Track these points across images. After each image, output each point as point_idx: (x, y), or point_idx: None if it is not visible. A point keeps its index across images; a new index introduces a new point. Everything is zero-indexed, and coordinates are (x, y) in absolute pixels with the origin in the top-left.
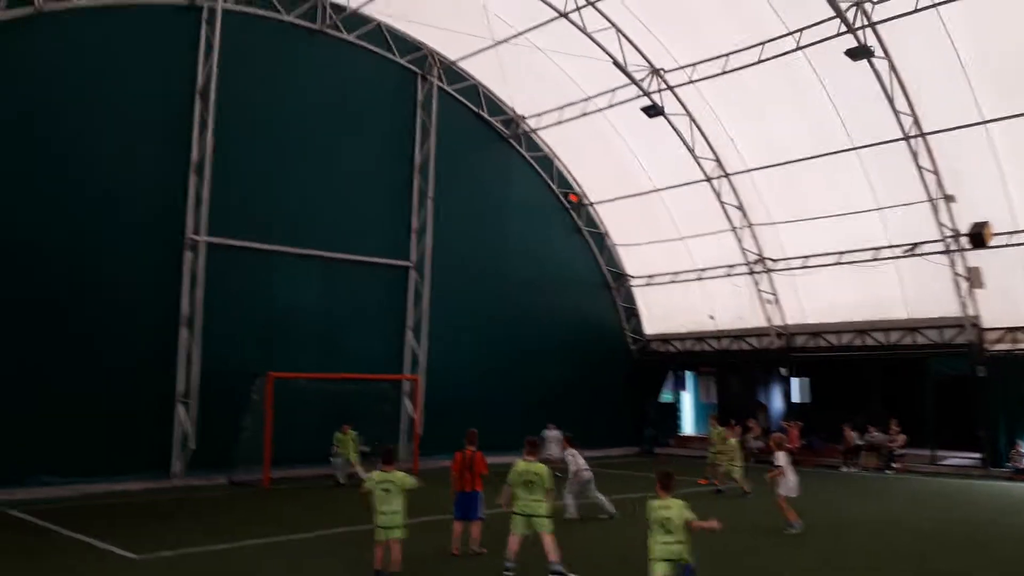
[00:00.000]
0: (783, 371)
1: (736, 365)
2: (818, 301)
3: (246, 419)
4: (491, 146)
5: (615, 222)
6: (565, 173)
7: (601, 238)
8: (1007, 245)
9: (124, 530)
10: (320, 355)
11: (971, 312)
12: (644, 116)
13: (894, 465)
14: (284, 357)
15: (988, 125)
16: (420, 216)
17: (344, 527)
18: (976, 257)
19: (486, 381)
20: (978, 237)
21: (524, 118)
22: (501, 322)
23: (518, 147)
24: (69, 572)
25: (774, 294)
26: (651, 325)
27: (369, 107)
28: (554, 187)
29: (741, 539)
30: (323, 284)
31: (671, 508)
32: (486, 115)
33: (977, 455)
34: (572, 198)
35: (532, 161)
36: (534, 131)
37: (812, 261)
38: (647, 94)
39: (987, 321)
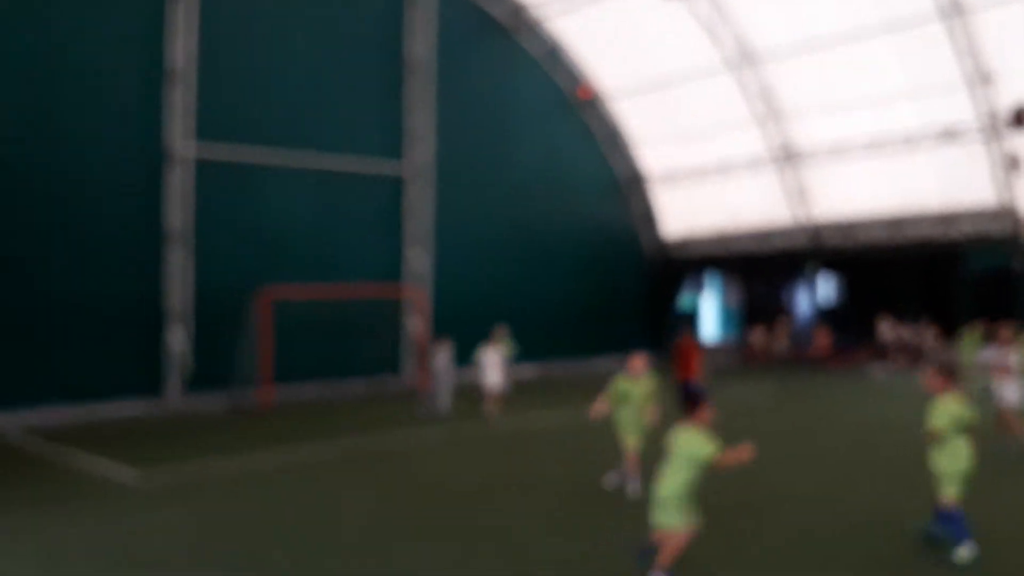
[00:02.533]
0: (811, 269)
1: (762, 266)
2: (848, 195)
3: (243, 338)
4: (492, 40)
5: (631, 119)
6: (575, 67)
7: (616, 136)
8: None
9: (122, 453)
10: (319, 270)
11: (1009, 202)
12: (661, 1)
13: (886, 365)
14: (281, 273)
15: None
16: (419, 120)
17: (345, 445)
18: (1015, 143)
19: (495, 292)
20: (1019, 119)
21: (528, 7)
22: (509, 230)
23: (522, 40)
24: (68, 497)
25: (802, 188)
26: (671, 227)
27: (357, 5)
28: (564, 83)
29: None
30: (319, 197)
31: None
32: (485, 5)
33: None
34: (583, 94)
35: (539, 55)
36: (540, 21)
37: (842, 151)
38: None
39: None
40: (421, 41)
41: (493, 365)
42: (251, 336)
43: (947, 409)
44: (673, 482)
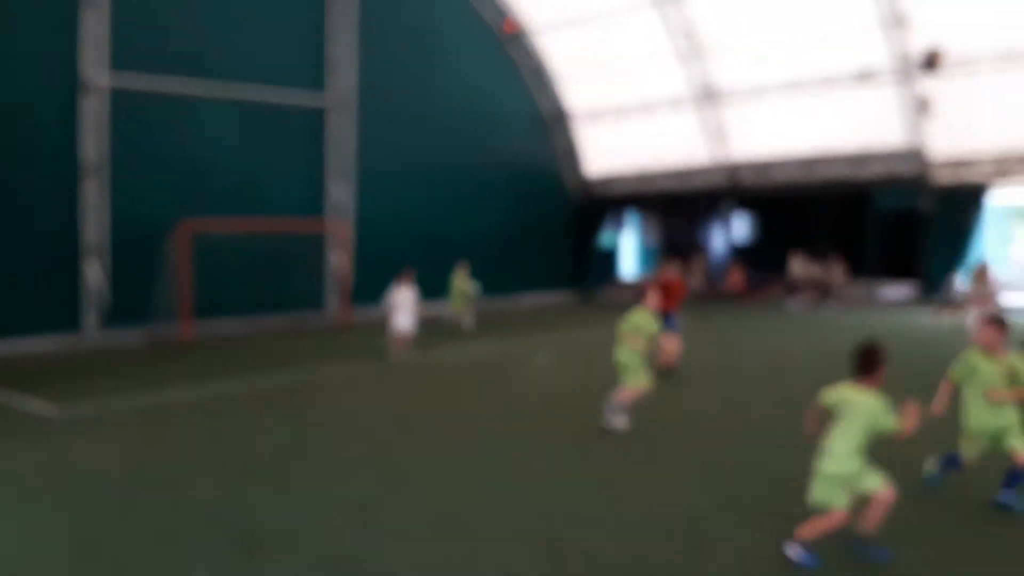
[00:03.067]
0: (727, 208)
1: (681, 205)
2: (765, 135)
3: (162, 272)
4: None
5: (557, 54)
6: None
7: (542, 72)
8: (960, 75)
9: (42, 388)
10: (239, 203)
11: (918, 144)
12: None
13: (799, 299)
14: (201, 207)
15: None
16: (341, 50)
17: (268, 382)
18: (926, 87)
19: (418, 227)
20: (930, 63)
21: None
22: (434, 165)
23: None
24: None
25: (721, 129)
26: (595, 164)
27: None
28: (489, 16)
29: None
30: (240, 129)
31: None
32: None
33: (916, 288)
34: (508, 28)
35: None
36: None
37: (760, 92)
38: None
39: (933, 155)
40: None
41: (404, 306)
42: (170, 270)
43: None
44: (846, 453)
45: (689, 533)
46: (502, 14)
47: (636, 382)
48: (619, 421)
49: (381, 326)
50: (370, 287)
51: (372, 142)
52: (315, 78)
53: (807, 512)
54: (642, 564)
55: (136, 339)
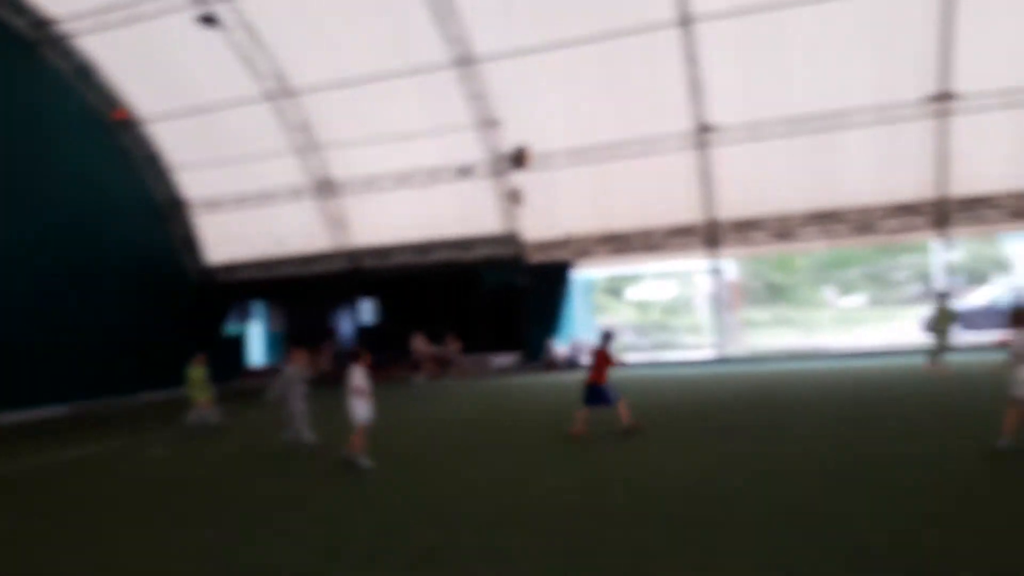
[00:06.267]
0: (352, 292)
1: (306, 291)
2: (382, 222)
3: None
4: (13, 52)
5: (172, 142)
6: (109, 87)
7: (155, 160)
8: (543, 169)
9: None
10: None
11: (514, 229)
12: (197, 29)
13: (422, 375)
14: None
15: (530, 55)
16: None
17: None
18: (518, 177)
19: (32, 323)
20: (518, 159)
21: (54, 21)
22: (44, 256)
23: (48, 55)
24: None
25: (341, 217)
26: (215, 254)
27: None
28: (96, 103)
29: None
30: None
31: None
32: (4, 15)
33: (518, 354)
34: (118, 115)
35: (67, 72)
36: (68, 37)
37: (375, 182)
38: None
39: (528, 236)
40: None
41: None
42: None
43: None
44: None
45: None
46: (111, 102)
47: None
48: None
49: None
50: None
51: None
52: None
53: None
54: None
55: None
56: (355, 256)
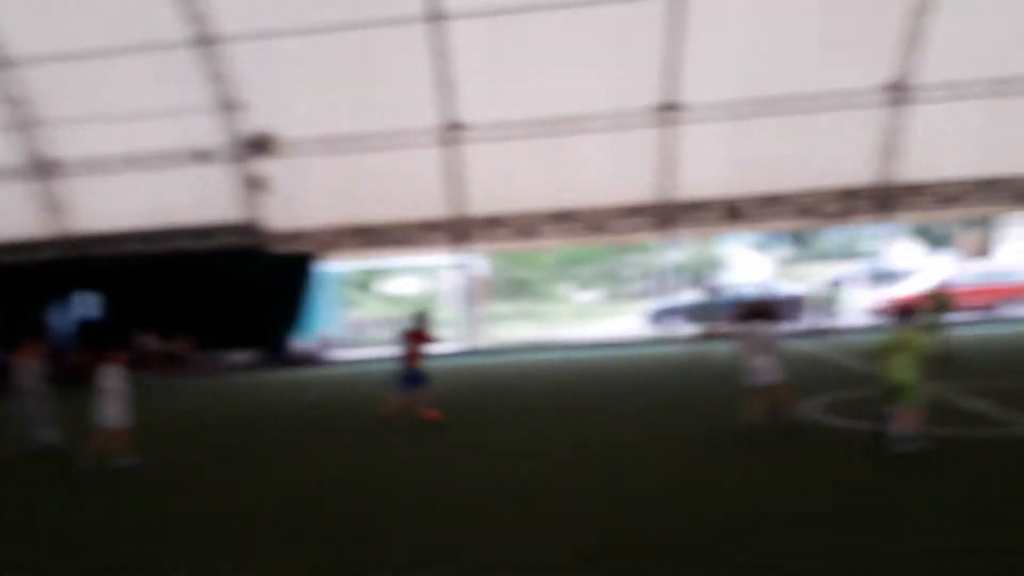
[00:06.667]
0: (73, 284)
1: (15, 282)
2: (109, 209)
3: None
4: None
5: None
6: None
7: None
8: (289, 156)
9: None
10: None
11: (256, 218)
12: None
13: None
14: None
15: (276, 39)
16: None
17: None
18: (262, 165)
19: None
20: (261, 146)
21: None
22: None
23: None
24: None
25: (60, 202)
26: None
27: None
28: None
29: None
30: None
31: None
32: None
33: (260, 350)
34: None
35: None
36: None
37: (102, 165)
38: None
39: (271, 226)
40: None
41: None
42: None
43: None
44: None
45: None
46: None
47: None
48: None
49: None
50: None
51: None
52: None
53: None
54: None
55: None
56: (77, 243)
